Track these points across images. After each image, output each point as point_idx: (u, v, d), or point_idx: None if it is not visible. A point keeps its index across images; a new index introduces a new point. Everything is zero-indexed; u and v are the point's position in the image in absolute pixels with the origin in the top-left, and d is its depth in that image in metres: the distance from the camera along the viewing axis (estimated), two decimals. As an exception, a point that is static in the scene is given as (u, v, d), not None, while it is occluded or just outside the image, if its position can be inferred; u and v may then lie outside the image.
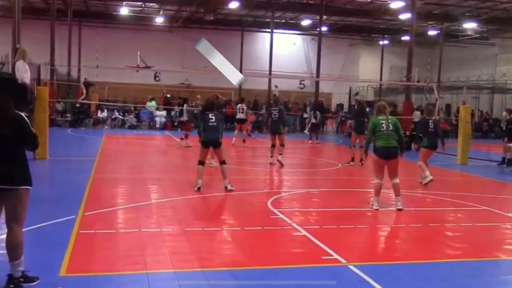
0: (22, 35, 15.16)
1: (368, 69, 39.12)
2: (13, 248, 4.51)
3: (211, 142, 9.45)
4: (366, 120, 15.20)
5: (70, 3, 29.57)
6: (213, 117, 9.41)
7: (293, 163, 14.95)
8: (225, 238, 6.53)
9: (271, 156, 13.56)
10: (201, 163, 9.44)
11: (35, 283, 4.58)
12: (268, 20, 34.06)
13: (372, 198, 8.49)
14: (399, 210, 8.24)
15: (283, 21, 35.77)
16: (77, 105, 25.22)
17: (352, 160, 14.18)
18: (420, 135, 11.16)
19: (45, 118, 13.10)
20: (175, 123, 26.10)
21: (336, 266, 5.45)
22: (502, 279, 5.35)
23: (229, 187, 9.28)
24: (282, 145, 13.42)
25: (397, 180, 8.38)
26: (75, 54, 31.98)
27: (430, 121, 11.08)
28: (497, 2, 27.27)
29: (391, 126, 8.39)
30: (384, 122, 8.41)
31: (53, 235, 6.18)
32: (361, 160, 14.07)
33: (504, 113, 16.25)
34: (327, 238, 6.49)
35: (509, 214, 8.50)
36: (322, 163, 15.46)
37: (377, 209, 8.24)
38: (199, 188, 9.24)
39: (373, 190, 8.51)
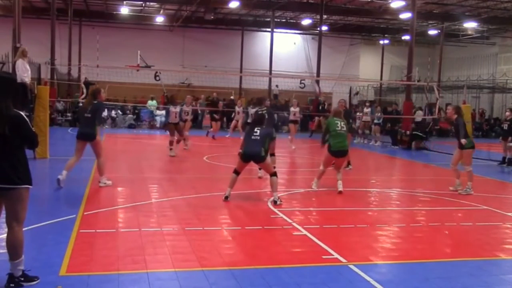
0: (23, 34, 15.15)
1: (368, 68, 39.13)
2: (14, 247, 4.51)
3: (251, 156, 8.62)
4: (351, 120, 14.70)
5: (70, 2, 29.60)
6: (258, 131, 8.63)
7: (293, 162, 14.96)
8: (225, 237, 6.52)
9: (260, 169, 10.64)
10: (236, 172, 8.71)
11: (35, 282, 4.58)
12: (268, 19, 34.08)
13: (314, 181, 10.06)
14: (340, 192, 9.61)
15: (284, 20, 35.81)
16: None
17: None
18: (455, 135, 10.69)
19: (45, 117, 13.10)
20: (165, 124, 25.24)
21: (336, 265, 5.45)
22: (503, 278, 5.34)
23: (278, 202, 8.43)
24: (272, 154, 10.39)
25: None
26: (76, 53, 32.00)
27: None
28: (497, 1, 27.28)
29: (345, 127, 9.96)
30: (338, 122, 9.89)
31: (53, 234, 6.18)
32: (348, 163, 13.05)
33: (507, 113, 16.23)
34: (327, 237, 6.50)
35: (510, 214, 8.52)
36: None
37: (315, 190, 9.79)
38: (226, 197, 8.55)
39: (317, 175, 10.14)
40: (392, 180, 12.48)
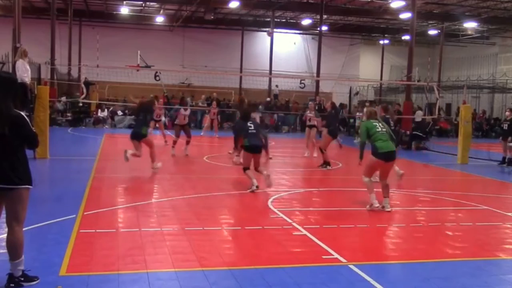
0: (23, 34, 15.15)
1: (368, 68, 39.13)
2: (14, 247, 4.51)
3: (256, 148, 9.67)
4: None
5: (70, 2, 29.61)
6: (252, 125, 9.76)
7: (293, 162, 14.96)
8: (225, 237, 6.53)
9: (232, 152, 12.55)
10: (247, 169, 9.65)
11: (35, 282, 4.58)
12: (268, 19, 34.08)
13: (371, 198, 8.33)
14: (388, 211, 8.17)
15: (283, 20, 35.81)
16: (80, 104, 25.22)
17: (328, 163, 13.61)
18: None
19: (45, 117, 13.10)
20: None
21: (336, 265, 5.45)
22: (503, 278, 5.34)
23: (269, 176, 9.62)
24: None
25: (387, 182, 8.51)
26: (76, 53, 32.00)
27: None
28: (497, 1, 27.28)
29: (385, 127, 8.59)
30: (377, 124, 8.58)
31: (53, 234, 6.18)
32: (325, 163, 13.49)
33: (507, 113, 16.23)
34: (327, 237, 6.49)
35: (510, 214, 8.51)
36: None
37: (378, 207, 8.21)
38: (257, 186, 9.37)
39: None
40: (392, 180, 12.47)
